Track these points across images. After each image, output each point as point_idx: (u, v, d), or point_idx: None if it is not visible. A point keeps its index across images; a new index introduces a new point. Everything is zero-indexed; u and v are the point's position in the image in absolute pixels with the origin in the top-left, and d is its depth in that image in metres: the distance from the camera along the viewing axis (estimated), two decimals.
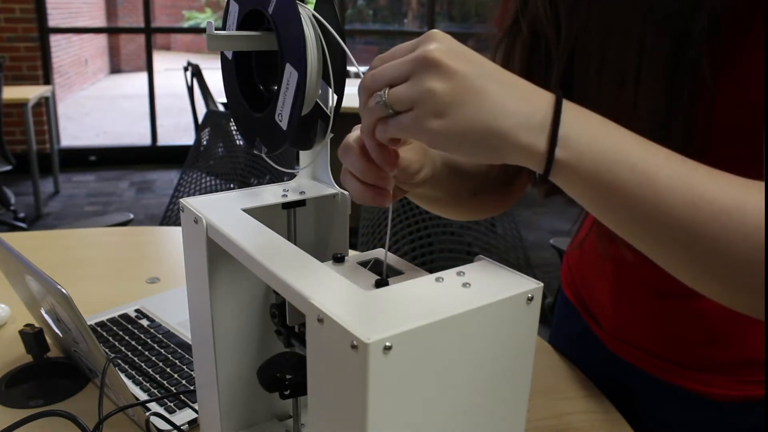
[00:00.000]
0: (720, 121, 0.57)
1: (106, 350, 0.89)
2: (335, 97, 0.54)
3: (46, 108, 4.55)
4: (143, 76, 5.51)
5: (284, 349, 0.61)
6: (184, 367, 0.85)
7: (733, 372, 0.70)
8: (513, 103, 0.45)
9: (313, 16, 0.52)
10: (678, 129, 0.56)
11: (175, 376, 0.83)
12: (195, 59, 4.32)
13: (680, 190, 0.44)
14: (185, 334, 0.94)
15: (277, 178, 1.71)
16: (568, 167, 0.45)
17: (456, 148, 0.46)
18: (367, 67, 0.51)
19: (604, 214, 0.48)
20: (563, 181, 0.47)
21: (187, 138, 5.98)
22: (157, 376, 0.83)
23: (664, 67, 0.55)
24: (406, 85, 0.45)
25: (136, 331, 0.95)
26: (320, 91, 0.53)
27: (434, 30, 0.46)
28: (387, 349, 0.37)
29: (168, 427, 0.72)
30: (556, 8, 0.61)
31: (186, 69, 4.12)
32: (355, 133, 0.54)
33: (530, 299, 0.43)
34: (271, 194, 0.60)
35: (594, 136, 0.45)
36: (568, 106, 0.46)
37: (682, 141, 0.56)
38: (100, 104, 8.81)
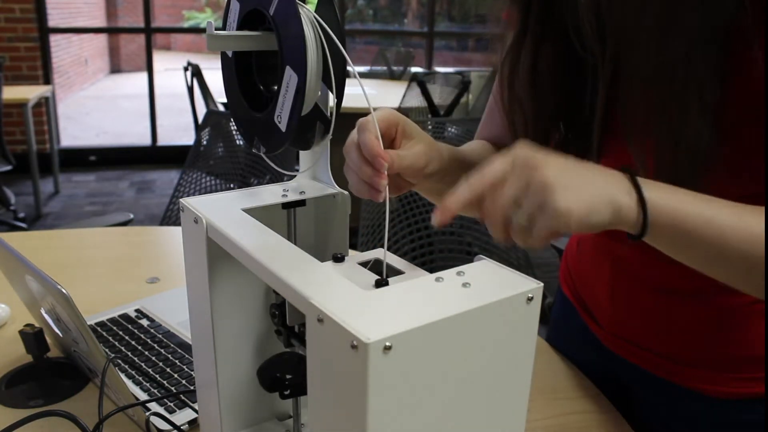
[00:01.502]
0: (737, 111, 0.58)
1: (106, 350, 0.89)
2: (335, 99, 0.54)
3: (46, 108, 4.54)
4: (143, 76, 5.50)
5: (284, 349, 0.61)
6: (184, 367, 0.85)
7: (733, 369, 0.70)
8: (602, 179, 0.51)
9: (315, 18, 0.52)
10: (719, 119, 0.57)
11: (175, 376, 0.83)
12: (195, 59, 4.31)
13: (739, 232, 0.52)
14: (185, 334, 0.94)
15: (277, 178, 1.71)
16: (656, 227, 0.52)
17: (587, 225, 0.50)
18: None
19: (679, 256, 0.55)
20: (651, 238, 0.53)
21: (187, 138, 5.97)
22: (157, 376, 0.83)
23: (712, 57, 0.56)
24: (528, 212, 0.49)
25: (136, 331, 0.95)
26: (320, 93, 0.53)
27: (528, 153, 0.50)
28: (387, 349, 0.37)
29: (168, 427, 0.72)
30: (602, 24, 0.61)
31: (186, 69, 4.12)
32: (356, 133, 0.57)
33: (530, 299, 0.44)
34: (271, 194, 0.60)
35: (670, 199, 0.52)
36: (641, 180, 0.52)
37: (719, 131, 0.57)
38: (100, 104, 8.80)
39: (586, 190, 0.49)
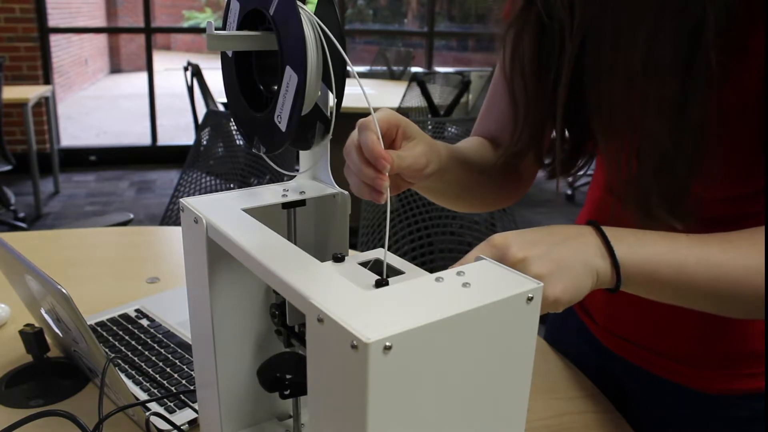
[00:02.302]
0: (733, 112, 0.57)
1: (106, 350, 0.89)
2: (335, 99, 0.54)
3: (46, 108, 4.54)
4: (143, 76, 5.50)
5: (284, 349, 0.61)
6: (184, 367, 0.85)
7: (730, 366, 0.70)
8: (578, 249, 0.52)
9: (314, 19, 0.52)
10: (691, 120, 0.57)
11: (175, 376, 0.83)
12: (195, 59, 4.31)
13: (705, 272, 0.54)
14: (185, 334, 0.94)
15: (277, 178, 1.71)
16: (628, 283, 0.54)
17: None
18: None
19: (655, 298, 0.57)
20: (625, 289, 0.55)
21: (187, 138, 5.97)
22: (157, 376, 0.83)
23: (677, 56, 0.56)
24: None
25: (136, 331, 0.95)
26: (320, 93, 0.53)
27: (504, 244, 0.51)
28: (387, 349, 0.37)
29: (168, 427, 0.72)
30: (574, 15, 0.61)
31: (186, 69, 4.11)
32: (356, 134, 0.57)
33: (530, 299, 0.43)
34: (271, 194, 0.60)
35: (638, 251, 0.54)
36: (608, 232, 0.54)
37: (696, 132, 0.57)
38: (100, 104, 8.80)
39: (569, 273, 0.50)
